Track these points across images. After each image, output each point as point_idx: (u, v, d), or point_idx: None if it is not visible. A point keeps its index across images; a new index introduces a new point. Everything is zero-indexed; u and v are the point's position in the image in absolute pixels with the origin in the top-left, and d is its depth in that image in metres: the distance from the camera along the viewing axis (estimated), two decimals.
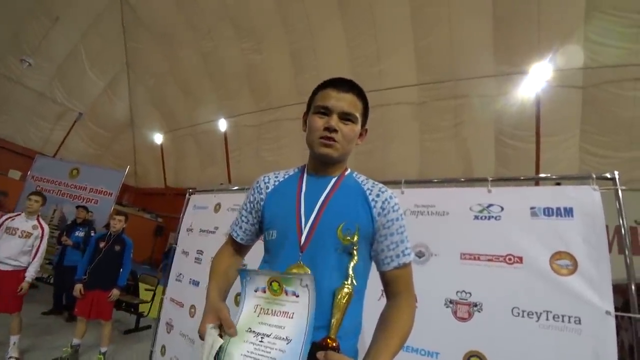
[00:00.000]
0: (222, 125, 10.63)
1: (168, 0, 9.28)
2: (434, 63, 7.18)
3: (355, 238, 0.85)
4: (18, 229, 3.18)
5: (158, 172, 13.67)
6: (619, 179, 1.61)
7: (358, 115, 0.96)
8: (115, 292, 3.36)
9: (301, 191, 0.97)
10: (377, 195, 0.96)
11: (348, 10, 7.56)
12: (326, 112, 0.94)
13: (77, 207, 5.34)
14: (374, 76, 7.57)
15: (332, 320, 0.79)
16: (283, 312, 0.75)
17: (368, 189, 0.98)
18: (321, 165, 0.99)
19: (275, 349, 0.70)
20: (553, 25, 5.89)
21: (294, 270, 0.85)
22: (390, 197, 0.96)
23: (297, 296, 0.74)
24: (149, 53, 10.86)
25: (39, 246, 3.26)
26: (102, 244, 3.50)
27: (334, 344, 0.75)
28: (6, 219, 3.24)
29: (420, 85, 7.44)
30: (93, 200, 6.48)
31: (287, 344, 0.70)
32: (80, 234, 4.84)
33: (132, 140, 13.63)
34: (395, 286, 0.94)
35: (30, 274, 3.15)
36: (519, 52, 6.31)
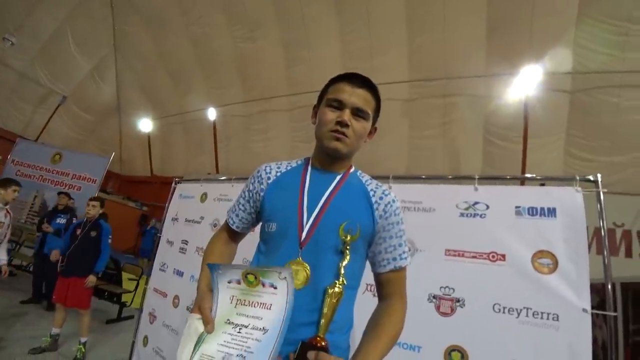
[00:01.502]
0: (212, 114, 10.48)
1: None
2: (426, 61, 7.22)
3: (349, 238, 0.85)
4: None
5: (144, 159, 13.42)
6: (600, 182, 1.65)
7: (370, 112, 0.94)
8: (91, 278, 3.26)
9: (305, 185, 0.96)
10: (381, 198, 0.95)
11: (344, 4, 7.51)
12: (339, 106, 0.91)
13: (59, 193, 5.19)
14: (365, 71, 7.22)
15: (322, 320, 0.79)
16: (261, 303, 0.75)
17: (372, 189, 0.97)
18: (327, 159, 0.97)
19: (252, 339, 0.71)
20: (545, 29, 5.98)
21: (293, 267, 0.85)
22: (393, 201, 0.96)
23: (275, 288, 0.74)
24: (138, 36, 10.57)
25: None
26: (78, 231, 3.44)
27: (323, 343, 0.76)
28: None
29: (411, 82, 7.47)
30: (76, 187, 6.32)
31: (264, 334, 0.71)
32: (61, 221, 4.72)
33: (118, 125, 13.31)
34: (389, 288, 0.94)
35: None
36: (510, 54, 6.39)
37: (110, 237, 3.54)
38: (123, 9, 10.13)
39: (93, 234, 3.44)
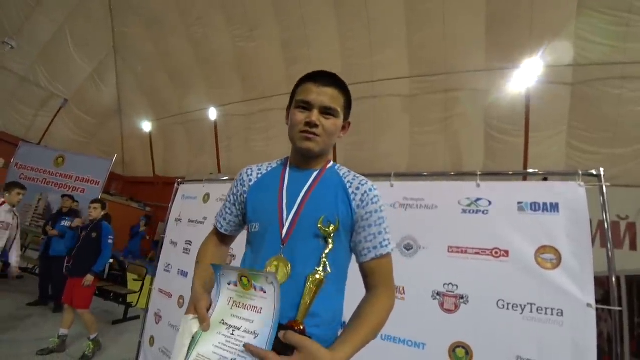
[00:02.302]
0: (212, 114, 10.47)
1: None
2: (427, 56, 7.17)
3: (332, 228, 0.87)
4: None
5: (146, 160, 13.44)
6: (603, 175, 1.64)
7: (339, 109, 0.96)
8: (88, 278, 3.32)
9: (284, 184, 0.98)
10: (357, 188, 0.96)
11: (342, 2, 7.47)
12: (307, 106, 0.94)
13: (63, 196, 5.23)
14: (366, 68, 7.53)
15: (301, 304, 0.80)
16: (252, 307, 0.77)
17: (349, 181, 0.99)
18: (303, 158, 1.00)
19: (244, 342, 0.73)
20: (545, 22, 5.93)
21: (274, 263, 0.87)
22: (370, 190, 0.96)
23: (265, 292, 0.76)
24: (138, 38, 10.54)
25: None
26: (83, 233, 3.55)
27: (301, 327, 0.77)
28: None
29: (411, 78, 7.44)
30: (79, 189, 6.35)
31: (255, 338, 0.73)
32: (66, 223, 4.75)
33: (119, 127, 13.30)
34: (374, 278, 0.95)
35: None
36: (510, 47, 6.34)
37: (111, 237, 3.60)
38: (122, 10, 10.10)
39: (94, 235, 3.52)
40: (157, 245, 3.53)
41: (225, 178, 3.08)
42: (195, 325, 0.79)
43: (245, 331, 0.74)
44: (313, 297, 0.81)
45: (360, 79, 7.11)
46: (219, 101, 10.26)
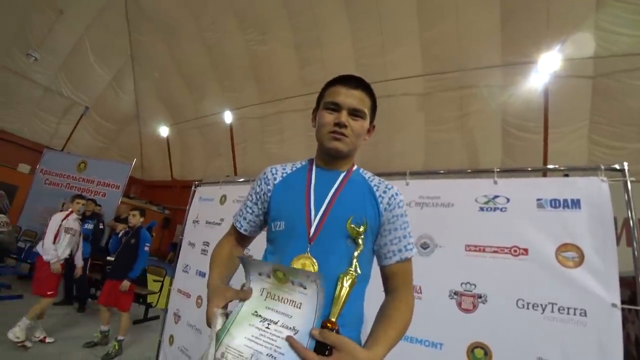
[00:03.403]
0: (228, 117, 10.63)
1: None
2: (440, 54, 7.07)
3: (362, 228, 0.87)
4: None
5: (164, 164, 13.75)
6: (628, 170, 1.58)
7: (367, 111, 0.97)
8: (124, 283, 3.52)
9: (310, 183, 0.99)
10: (384, 192, 0.98)
11: (353, 1, 7.46)
12: (336, 108, 0.95)
13: (86, 199, 5.41)
14: (379, 67, 7.49)
15: (334, 304, 0.79)
16: (290, 301, 0.74)
17: (375, 185, 1.00)
18: (330, 159, 1.01)
19: (282, 338, 0.70)
20: (562, 14, 5.75)
21: (301, 261, 0.86)
22: (397, 194, 0.99)
23: (305, 288, 0.73)
24: (154, 45, 10.83)
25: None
26: (124, 239, 3.79)
27: (336, 327, 0.75)
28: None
29: (425, 76, 7.35)
30: (101, 193, 6.57)
31: (295, 334, 0.70)
32: (89, 226, 4.93)
33: (138, 133, 13.69)
34: (396, 281, 0.95)
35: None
36: (526, 41, 6.18)
37: (147, 244, 3.78)
38: (138, 19, 10.40)
39: (132, 241, 3.73)
40: (175, 247, 3.62)
41: (241, 180, 3.11)
42: (221, 320, 0.76)
43: (283, 326, 0.71)
44: (347, 297, 0.80)
45: (374, 78, 7.06)
46: (233, 104, 10.41)
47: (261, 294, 0.77)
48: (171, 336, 3.12)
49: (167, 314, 3.25)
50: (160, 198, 13.61)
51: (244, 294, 0.79)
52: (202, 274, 2.98)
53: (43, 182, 6.82)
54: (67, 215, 3.75)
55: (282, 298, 0.75)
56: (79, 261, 3.97)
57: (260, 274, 0.79)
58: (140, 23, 10.46)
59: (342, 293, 0.80)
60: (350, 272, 0.83)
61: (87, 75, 10.90)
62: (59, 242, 3.59)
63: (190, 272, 3.15)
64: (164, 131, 12.75)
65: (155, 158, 14.05)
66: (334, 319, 0.77)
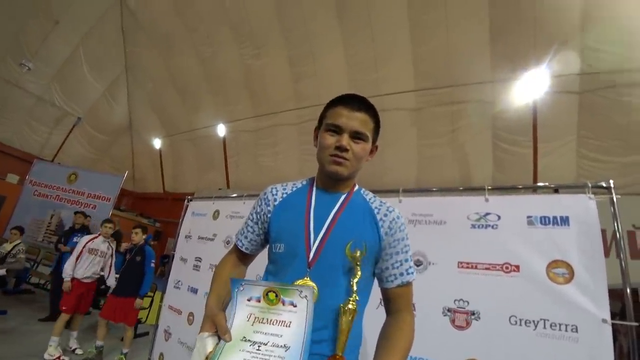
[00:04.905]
0: (221, 130, 10.64)
1: (167, 5, 9.31)
2: (432, 69, 7.23)
3: (358, 254, 0.86)
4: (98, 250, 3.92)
5: (156, 176, 13.64)
6: (614, 187, 1.63)
7: (369, 133, 0.96)
8: (137, 302, 3.62)
9: (310, 206, 0.98)
10: (385, 215, 0.98)
11: (346, 16, 7.61)
12: (337, 130, 0.94)
13: (75, 212, 5.33)
14: (372, 82, 7.60)
15: (339, 337, 0.80)
16: (280, 321, 0.75)
17: (376, 207, 1.00)
18: (330, 181, 1.00)
19: (274, 356, 0.71)
20: (550, 31, 5.95)
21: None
22: (398, 217, 0.99)
23: (295, 306, 0.74)
24: (148, 57, 10.88)
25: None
26: (128, 256, 3.84)
27: None
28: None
29: (417, 92, 7.48)
30: (91, 206, 6.47)
31: (286, 350, 0.71)
32: (78, 239, 4.82)
33: (130, 144, 13.61)
34: (397, 303, 0.96)
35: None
36: (515, 58, 6.36)
37: (153, 261, 3.84)
38: (133, 31, 10.46)
39: (138, 258, 3.77)
40: (166, 259, 3.63)
41: (234, 195, 3.11)
42: (210, 343, 0.76)
43: (274, 345, 0.72)
44: (350, 328, 0.81)
45: (367, 93, 7.00)
46: (227, 118, 10.44)
47: (248, 320, 0.78)
48: (161, 354, 3.05)
49: (157, 331, 3.19)
50: (151, 210, 13.45)
51: (225, 336, 0.76)
52: (194, 290, 2.94)
53: (32, 193, 6.70)
54: (94, 238, 3.96)
55: (270, 320, 0.76)
56: (111, 281, 4.03)
57: (249, 300, 0.79)
58: (136, 35, 10.52)
59: (345, 327, 0.81)
60: (350, 301, 0.83)
61: (81, 86, 10.86)
62: (79, 262, 3.77)
63: (182, 288, 3.10)
64: (156, 143, 12.69)
65: (147, 170, 13.93)
66: (340, 353, 0.78)
